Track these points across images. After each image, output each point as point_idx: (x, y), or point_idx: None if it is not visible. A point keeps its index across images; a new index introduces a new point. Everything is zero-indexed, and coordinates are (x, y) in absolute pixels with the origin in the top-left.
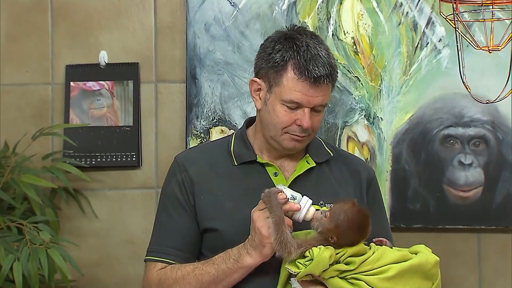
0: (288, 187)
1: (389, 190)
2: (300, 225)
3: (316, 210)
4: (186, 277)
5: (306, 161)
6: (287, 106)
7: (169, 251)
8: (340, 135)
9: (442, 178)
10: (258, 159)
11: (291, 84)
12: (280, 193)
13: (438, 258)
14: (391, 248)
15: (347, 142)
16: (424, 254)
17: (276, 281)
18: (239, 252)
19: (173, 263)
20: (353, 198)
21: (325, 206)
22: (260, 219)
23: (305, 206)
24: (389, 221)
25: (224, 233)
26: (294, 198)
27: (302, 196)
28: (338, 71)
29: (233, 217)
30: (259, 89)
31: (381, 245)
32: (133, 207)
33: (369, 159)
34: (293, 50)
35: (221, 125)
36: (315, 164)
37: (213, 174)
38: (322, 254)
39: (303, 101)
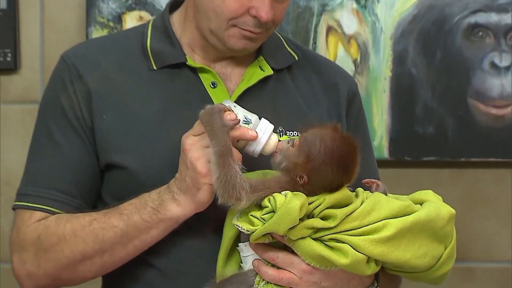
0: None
1: (388, 106)
2: (253, 164)
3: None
4: (79, 233)
5: (260, 66)
6: None
7: (52, 195)
8: (316, 24)
9: (466, 88)
10: (189, 62)
11: None
12: (228, 112)
13: (454, 211)
14: (386, 195)
15: (327, 35)
16: (434, 205)
17: (216, 246)
18: (161, 197)
19: (58, 213)
20: (332, 121)
21: (286, 135)
22: (195, 148)
23: (264, 133)
24: (388, 151)
25: (136, 171)
26: (248, 122)
27: (260, 119)
28: None
29: (150, 147)
30: None
31: (371, 191)
32: (8, 130)
33: (358, 60)
34: None
35: (139, 9)
36: (272, 72)
37: (120, 82)
38: (290, 203)
39: None
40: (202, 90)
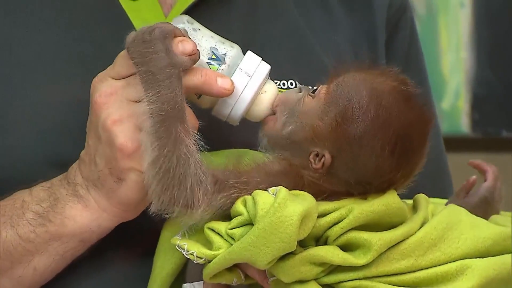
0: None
1: (471, 35)
2: (225, 138)
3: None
4: None
5: None
6: None
7: None
8: None
9: None
10: None
11: None
12: (180, 39)
13: None
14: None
15: None
16: None
17: (143, 282)
18: (53, 194)
19: None
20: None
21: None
22: (116, 102)
23: (252, 80)
24: (470, 121)
25: (9, 148)
26: (218, 59)
27: (245, 53)
28: None
29: (35, 102)
30: None
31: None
32: None
33: None
34: None
35: None
36: None
37: None
38: (283, 208)
39: None
40: (113, 4)
